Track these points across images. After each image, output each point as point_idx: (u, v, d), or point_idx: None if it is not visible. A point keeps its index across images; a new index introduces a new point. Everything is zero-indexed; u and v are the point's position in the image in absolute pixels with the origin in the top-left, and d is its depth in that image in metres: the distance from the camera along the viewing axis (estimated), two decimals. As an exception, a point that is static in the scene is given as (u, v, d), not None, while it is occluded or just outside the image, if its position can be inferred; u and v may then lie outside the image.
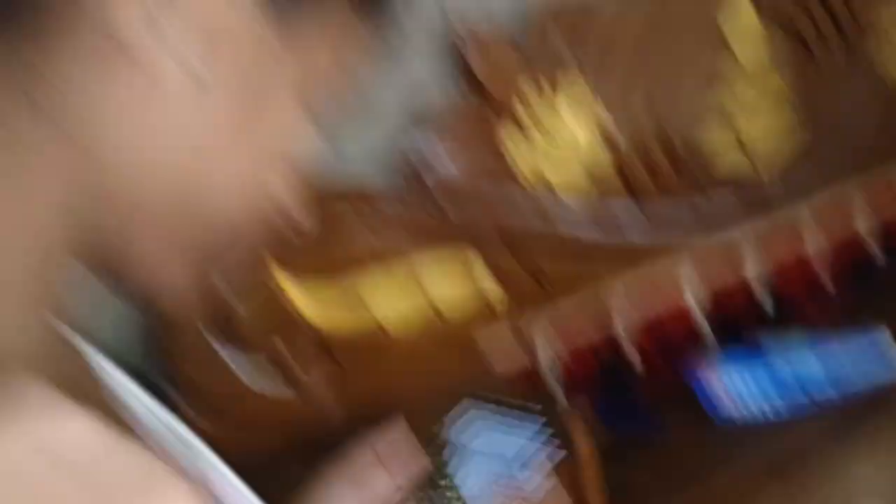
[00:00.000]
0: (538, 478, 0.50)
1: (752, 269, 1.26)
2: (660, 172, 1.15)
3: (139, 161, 0.31)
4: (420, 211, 0.98)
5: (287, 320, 0.91)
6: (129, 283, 0.35)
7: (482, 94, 1.02)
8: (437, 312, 1.01)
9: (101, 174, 0.31)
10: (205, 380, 0.87)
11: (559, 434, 0.52)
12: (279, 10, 0.31)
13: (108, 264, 0.34)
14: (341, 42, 0.35)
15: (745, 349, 1.20)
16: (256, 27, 0.31)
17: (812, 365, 1.13)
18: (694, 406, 1.17)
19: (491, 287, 1.04)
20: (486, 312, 1.04)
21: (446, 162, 0.99)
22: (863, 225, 1.39)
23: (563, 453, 0.52)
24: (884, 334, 1.16)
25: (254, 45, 0.31)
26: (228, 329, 0.88)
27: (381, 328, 0.97)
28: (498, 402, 0.55)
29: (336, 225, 0.93)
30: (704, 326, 1.20)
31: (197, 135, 0.32)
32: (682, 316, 1.19)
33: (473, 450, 0.54)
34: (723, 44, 1.20)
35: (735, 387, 1.12)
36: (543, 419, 0.52)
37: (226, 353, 0.88)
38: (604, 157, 1.10)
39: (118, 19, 0.28)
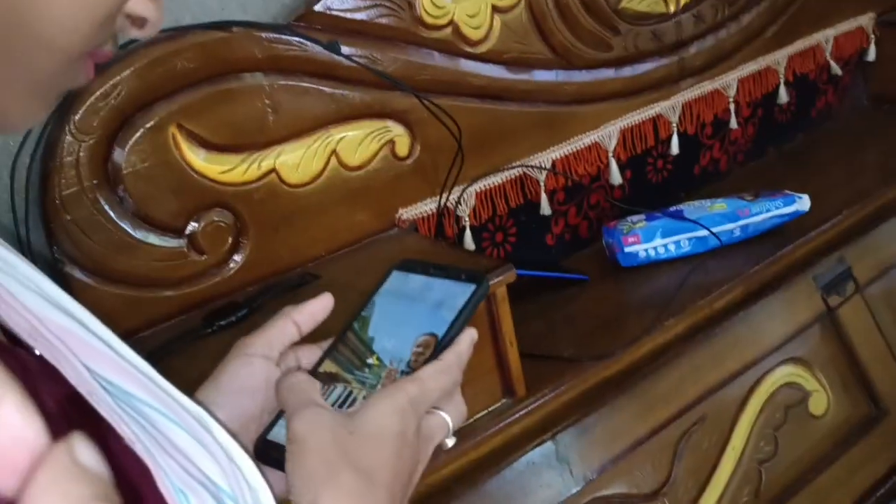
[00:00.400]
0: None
1: (665, 111, 1.24)
2: (572, 12, 1.09)
3: None
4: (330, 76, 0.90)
5: (183, 176, 0.83)
6: None
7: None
8: (345, 165, 0.94)
9: None
10: (89, 233, 0.79)
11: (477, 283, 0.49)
12: None
13: None
14: None
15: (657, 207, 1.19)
16: None
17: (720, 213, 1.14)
18: (604, 250, 1.17)
19: (401, 138, 0.98)
20: (396, 163, 0.99)
21: (353, 8, 0.90)
22: (772, 62, 1.38)
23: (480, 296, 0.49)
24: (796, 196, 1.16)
25: None
26: (115, 183, 0.80)
27: (281, 178, 0.90)
28: (426, 267, 0.51)
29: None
30: (617, 175, 1.19)
31: None
32: (594, 161, 1.17)
33: (392, 299, 0.51)
34: None
35: (644, 231, 1.12)
36: (466, 273, 0.49)
37: (111, 208, 0.80)
38: (516, 1, 1.03)
39: None
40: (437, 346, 0.47)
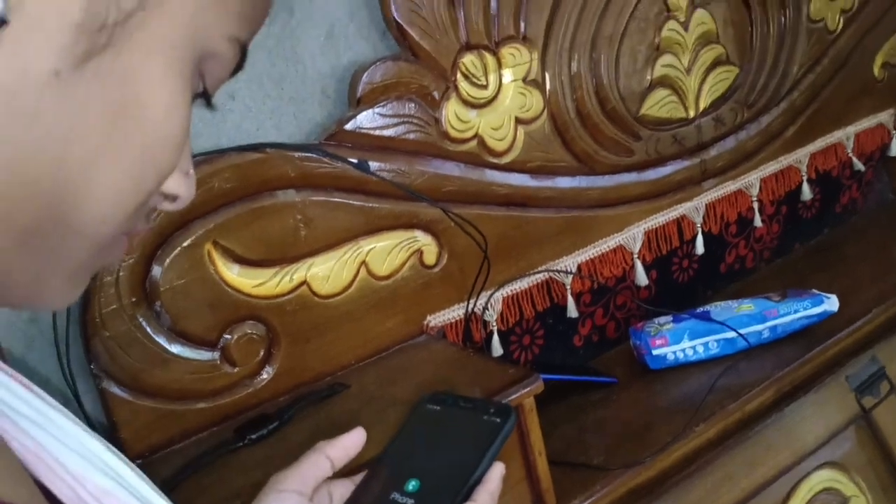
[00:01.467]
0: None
1: (689, 212, 1.26)
2: (593, 120, 1.12)
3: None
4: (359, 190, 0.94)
5: (218, 291, 0.86)
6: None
7: (414, 51, 0.96)
8: (374, 274, 0.97)
9: None
10: (126, 348, 0.81)
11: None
12: None
13: None
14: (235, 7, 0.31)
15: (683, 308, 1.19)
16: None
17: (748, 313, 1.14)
18: (632, 352, 1.18)
19: (428, 248, 1.00)
20: (424, 271, 1.01)
21: (383, 125, 0.94)
22: (794, 161, 1.40)
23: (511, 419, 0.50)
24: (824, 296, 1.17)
25: (113, 19, 0.28)
26: (152, 299, 0.83)
27: (312, 290, 0.93)
28: (455, 400, 0.52)
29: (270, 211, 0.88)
30: (643, 277, 1.20)
31: (50, 123, 0.28)
32: (620, 263, 1.18)
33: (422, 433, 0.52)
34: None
35: (672, 333, 1.12)
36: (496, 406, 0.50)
37: (148, 324, 0.83)
38: (539, 113, 1.07)
39: None
40: (469, 483, 0.48)
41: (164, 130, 0.31)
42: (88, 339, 0.80)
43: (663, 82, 1.21)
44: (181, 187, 0.35)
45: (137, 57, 0.29)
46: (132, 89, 0.29)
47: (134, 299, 0.82)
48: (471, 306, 1.04)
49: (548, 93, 1.08)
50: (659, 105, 1.21)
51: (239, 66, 0.35)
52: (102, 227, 0.31)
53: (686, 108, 1.24)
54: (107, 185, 0.30)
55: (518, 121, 1.07)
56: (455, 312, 1.04)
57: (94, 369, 0.81)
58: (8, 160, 0.27)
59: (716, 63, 1.27)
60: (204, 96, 0.33)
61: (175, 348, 0.85)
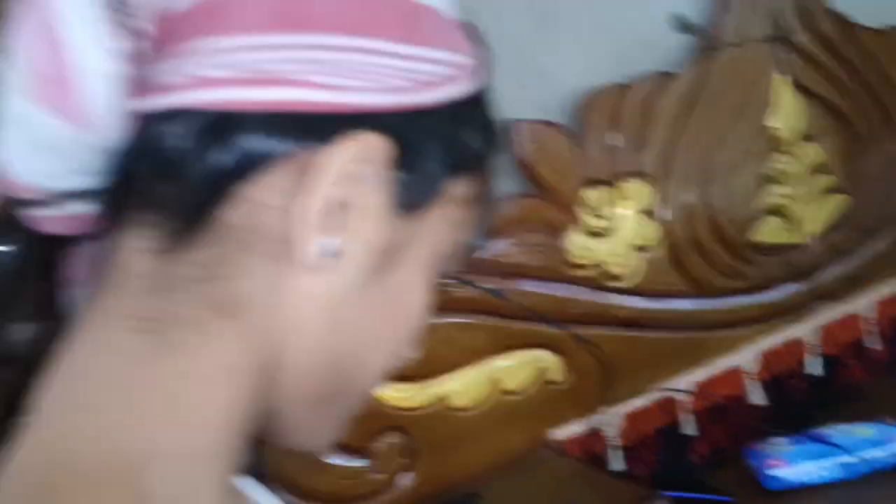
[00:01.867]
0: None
1: (803, 334, 1.29)
2: (707, 248, 1.19)
3: (307, 345, 0.36)
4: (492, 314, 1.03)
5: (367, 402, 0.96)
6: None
7: (541, 188, 1.07)
8: (504, 390, 1.05)
9: (275, 355, 0.36)
10: (288, 455, 0.91)
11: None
12: (407, 209, 0.37)
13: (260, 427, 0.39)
14: (460, 222, 0.40)
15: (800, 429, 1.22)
16: (393, 230, 0.36)
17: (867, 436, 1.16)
18: (748, 472, 1.20)
19: (553, 365, 1.08)
20: (549, 387, 1.09)
21: (512, 254, 1.04)
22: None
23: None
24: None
25: (390, 244, 0.36)
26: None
27: (449, 404, 1.02)
28: None
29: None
30: (759, 396, 1.24)
31: (354, 324, 0.37)
32: (735, 383, 1.23)
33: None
34: (763, 118, 1.25)
35: (790, 455, 1.15)
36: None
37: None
38: (656, 241, 1.15)
39: (296, 240, 0.33)
40: None
41: (416, 321, 0.40)
42: (259, 445, 0.90)
43: (775, 210, 1.27)
44: (411, 353, 0.44)
45: (405, 271, 0.38)
46: (401, 297, 0.38)
47: (297, 410, 0.92)
48: (592, 422, 1.10)
49: (664, 222, 1.16)
50: (771, 231, 1.27)
51: (459, 267, 0.45)
52: (366, 391, 0.41)
53: (798, 234, 1.29)
54: (378, 361, 0.40)
55: (637, 249, 1.15)
56: (577, 428, 1.11)
57: (262, 473, 0.91)
58: (323, 349, 0.37)
59: (827, 190, 1.32)
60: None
61: (331, 456, 0.94)
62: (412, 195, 0.36)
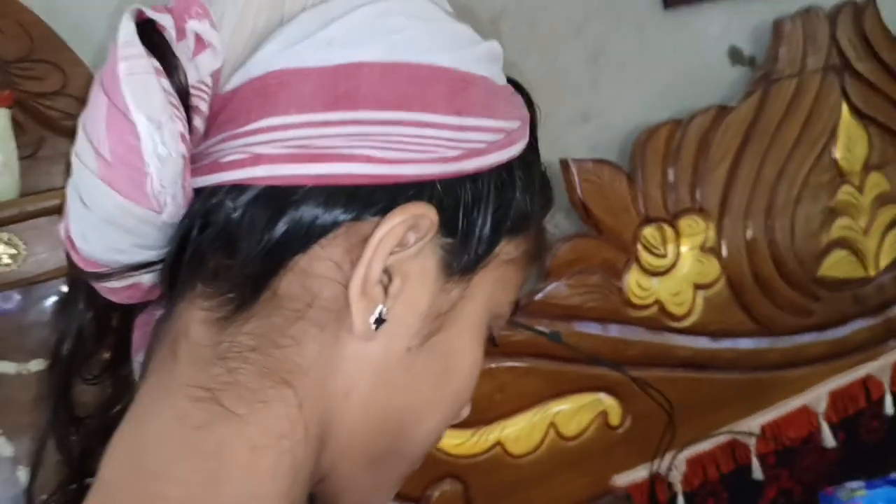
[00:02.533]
0: None
1: (875, 371, 1.24)
2: (771, 284, 1.16)
3: (358, 410, 0.36)
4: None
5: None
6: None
7: (597, 227, 1.05)
8: (561, 435, 1.03)
9: (328, 420, 0.36)
10: None
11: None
12: (458, 274, 0.37)
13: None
14: (513, 283, 0.40)
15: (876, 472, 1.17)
16: (444, 294, 0.37)
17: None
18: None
19: (612, 409, 1.06)
20: (608, 432, 1.06)
21: (569, 295, 1.02)
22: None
23: None
24: None
25: (441, 308, 0.37)
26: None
27: (505, 450, 0.99)
28: None
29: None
30: (830, 438, 1.19)
31: (405, 387, 0.37)
32: (805, 424, 1.18)
33: None
34: (824, 149, 1.21)
35: (866, 500, 1.10)
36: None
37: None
38: (717, 278, 1.12)
39: (349, 309, 0.35)
40: None
41: (469, 383, 0.40)
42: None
43: (841, 243, 1.23)
44: (466, 411, 0.44)
45: (455, 332, 0.38)
46: (452, 358, 0.39)
47: (352, 458, 0.91)
48: (655, 467, 1.07)
49: (724, 259, 1.13)
50: (837, 266, 1.22)
51: (512, 315, 0.44)
52: (422, 452, 0.40)
53: (865, 268, 1.25)
54: (430, 424, 0.39)
55: (696, 286, 1.12)
56: (640, 473, 1.07)
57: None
58: (374, 412, 0.37)
59: (894, 223, 1.27)
60: (490, 340, 0.42)
61: (386, 504, 0.93)
62: (463, 260, 0.37)
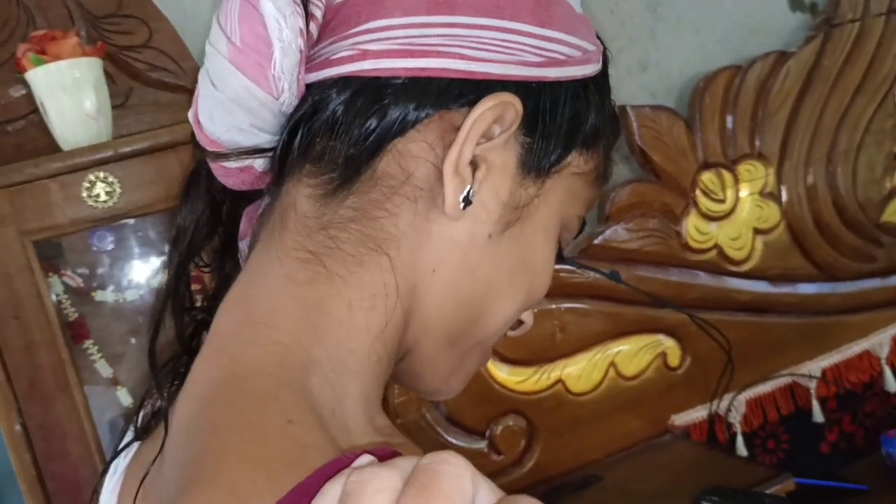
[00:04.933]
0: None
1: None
2: (832, 230, 1.16)
3: (442, 285, 0.40)
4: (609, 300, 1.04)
5: (487, 387, 0.99)
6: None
7: (657, 173, 1.07)
8: (621, 375, 1.06)
9: (414, 291, 0.40)
10: (414, 434, 0.95)
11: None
12: (535, 173, 0.41)
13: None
14: (583, 197, 0.44)
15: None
16: (522, 189, 0.41)
17: None
18: (884, 461, 1.15)
19: (672, 350, 1.08)
20: (668, 373, 1.08)
21: (628, 239, 1.05)
22: None
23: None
24: None
25: (519, 201, 0.40)
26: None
27: (567, 388, 1.03)
28: (733, 494, 0.59)
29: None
30: (891, 383, 1.19)
31: (484, 271, 0.41)
32: (867, 369, 1.18)
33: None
34: (885, 93, 1.20)
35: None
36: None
37: (430, 414, 0.96)
38: (776, 223, 1.13)
39: (441, 188, 0.38)
40: None
41: (541, 279, 0.43)
42: (384, 424, 0.95)
43: (904, 189, 1.22)
44: (529, 317, 0.47)
45: (530, 229, 0.41)
46: (528, 251, 0.42)
47: (420, 392, 0.96)
48: (714, 408, 1.09)
49: (784, 205, 1.14)
50: (901, 212, 1.22)
51: (580, 232, 0.47)
52: (491, 339, 0.44)
53: (931, 214, 1.24)
54: (502, 311, 0.43)
55: (756, 231, 1.13)
56: (699, 413, 1.10)
57: (388, 451, 0.95)
58: (457, 293, 0.41)
59: (961, 168, 1.26)
60: (559, 255, 0.46)
61: (451, 436, 0.97)
62: (539, 159, 0.41)
